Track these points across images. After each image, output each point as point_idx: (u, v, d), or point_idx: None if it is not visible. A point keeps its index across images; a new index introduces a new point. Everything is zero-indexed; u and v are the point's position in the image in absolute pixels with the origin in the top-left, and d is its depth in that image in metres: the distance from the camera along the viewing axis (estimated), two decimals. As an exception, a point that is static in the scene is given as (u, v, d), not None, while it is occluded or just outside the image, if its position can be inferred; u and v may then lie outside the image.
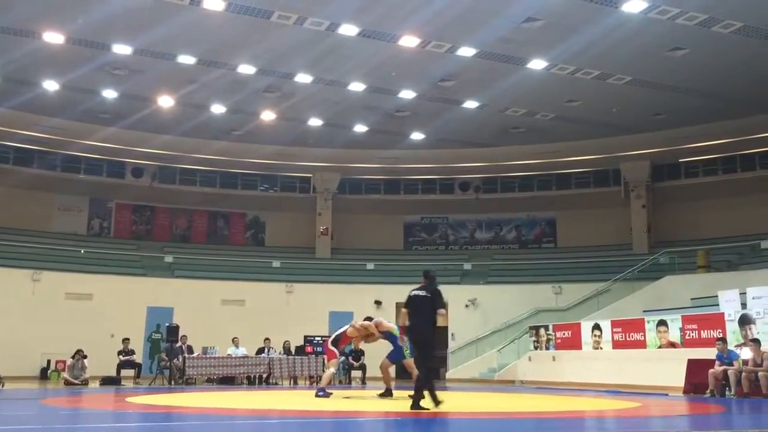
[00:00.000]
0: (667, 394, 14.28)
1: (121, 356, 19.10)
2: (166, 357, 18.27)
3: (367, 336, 12.43)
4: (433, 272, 9.60)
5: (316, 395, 11.83)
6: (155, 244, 28.21)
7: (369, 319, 12.69)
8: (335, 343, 12.45)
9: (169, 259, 26.49)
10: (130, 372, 19.03)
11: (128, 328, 21.17)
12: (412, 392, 11.60)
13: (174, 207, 29.50)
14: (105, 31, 17.77)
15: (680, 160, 26.80)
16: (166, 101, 22.27)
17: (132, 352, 19.45)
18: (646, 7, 15.94)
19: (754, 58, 18.52)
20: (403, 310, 9.39)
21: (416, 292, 9.34)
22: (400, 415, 8.95)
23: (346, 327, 12.57)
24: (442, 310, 9.21)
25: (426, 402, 8.97)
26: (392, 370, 12.38)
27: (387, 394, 11.98)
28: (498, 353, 22.58)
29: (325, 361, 13.37)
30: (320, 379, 15.22)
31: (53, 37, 17.92)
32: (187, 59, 19.21)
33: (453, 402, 10.90)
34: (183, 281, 24.68)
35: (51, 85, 21.09)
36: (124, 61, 19.35)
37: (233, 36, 17.88)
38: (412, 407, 8.85)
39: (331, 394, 11.84)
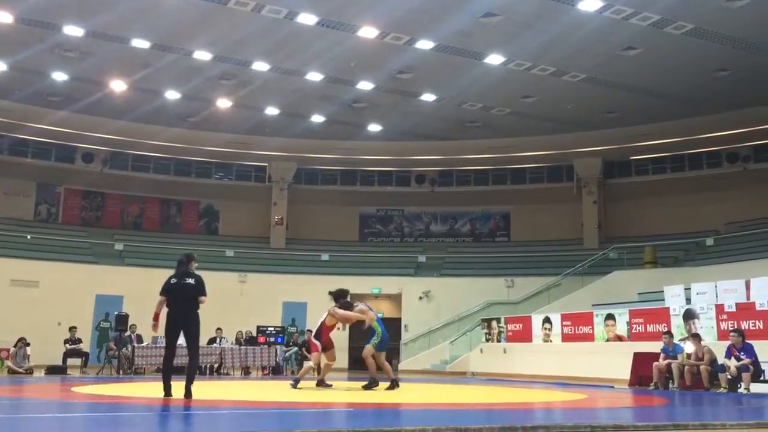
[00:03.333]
0: (613, 386, 14.62)
1: (67, 345, 18.74)
2: (115, 346, 17.94)
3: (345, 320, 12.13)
4: (185, 256, 9.69)
5: (291, 386, 11.60)
6: (105, 231, 27.65)
7: (348, 303, 12.21)
8: (318, 336, 12.19)
9: (119, 246, 26.01)
10: (77, 361, 18.67)
11: (76, 317, 20.75)
12: (364, 383, 11.67)
13: (125, 194, 28.95)
14: (56, 12, 17.30)
15: (631, 158, 27.41)
16: (118, 85, 21.81)
17: (79, 341, 19.09)
18: (601, 6, 16.20)
19: (705, 60, 19.01)
20: (161, 298, 9.51)
21: (175, 280, 9.49)
22: (359, 405, 8.98)
23: (324, 316, 12.25)
24: (204, 298, 9.57)
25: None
26: (383, 356, 11.66)
27: (393, 385, 11.45)
28: (450, 345, 22.80)
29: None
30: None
31: (1, 16, 17.37)
32: (141, 43, 18.83)
33: (404, 394, 10.97)
34: (133, 269, 24.22)
35: (-2, 66, 20.48)
36: (76, 42, 18.87)
37: (189, 20, 17.58)
38: (186, 396, 8.87)
39: (296, 386, 11.57)
